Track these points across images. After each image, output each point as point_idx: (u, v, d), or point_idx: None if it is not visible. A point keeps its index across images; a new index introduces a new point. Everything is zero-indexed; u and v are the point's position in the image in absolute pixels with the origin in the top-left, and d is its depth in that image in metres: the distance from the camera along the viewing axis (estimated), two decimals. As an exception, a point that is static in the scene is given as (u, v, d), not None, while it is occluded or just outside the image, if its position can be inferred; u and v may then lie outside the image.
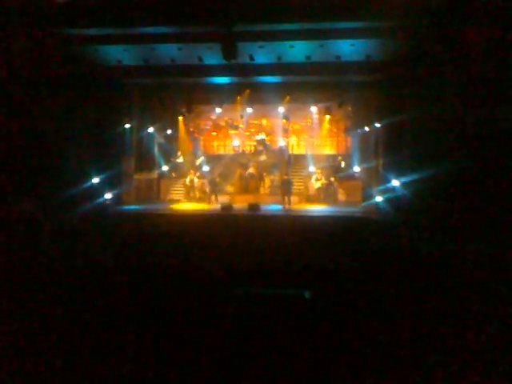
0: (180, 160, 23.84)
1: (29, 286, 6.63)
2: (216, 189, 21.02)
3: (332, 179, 21.02)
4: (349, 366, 4.46)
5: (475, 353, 4.64)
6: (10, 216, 11.63)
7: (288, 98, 20.92)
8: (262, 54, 15.17)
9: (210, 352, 4.66)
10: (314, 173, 21.61)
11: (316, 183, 21.07)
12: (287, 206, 18.64)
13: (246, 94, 20.45)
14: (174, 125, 23.51)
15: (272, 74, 16.92)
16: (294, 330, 5.08)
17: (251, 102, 21.77)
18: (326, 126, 24.52)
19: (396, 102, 15.54)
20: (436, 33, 12.56)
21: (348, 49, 14.57)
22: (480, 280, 6.73)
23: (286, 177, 19.51)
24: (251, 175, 21.26)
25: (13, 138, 12.58)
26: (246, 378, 4.33)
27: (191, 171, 22.16)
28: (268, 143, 23.87)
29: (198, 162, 23.39)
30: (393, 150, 16.00)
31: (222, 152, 25.60)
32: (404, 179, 14.76)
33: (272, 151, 23.52)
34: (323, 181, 20.85)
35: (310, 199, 21.15)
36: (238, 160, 23.25)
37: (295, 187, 21.85)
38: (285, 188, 19.11)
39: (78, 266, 7.92)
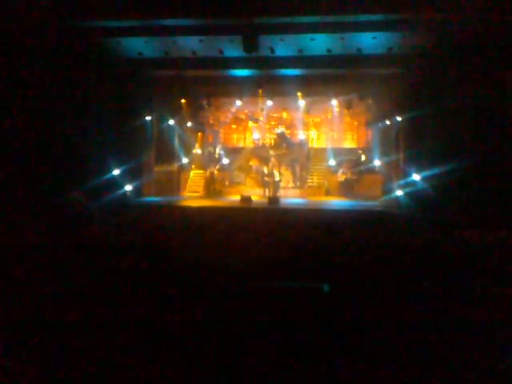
0: (200, 152, 23.92)
1: (47, 279, 6.72)
2: (236, 181, 21.11)
3: (349, 173, 20.94)
4: (368, 361, 4.44)
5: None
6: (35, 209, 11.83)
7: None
8: (283, 46, 15.11)
9: (228, 345, 4.68)
10: (340, 167, 21.53)
11: (341, 177, 21.01)
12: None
13: (265, 88, 20.49)
14: (195, 117, 23.54)
15: (293, 66, 16.85)
16: (313, 324, 5.08)
17: (271, 94, 21.70)
18: (347, 119, 24.41)
19: (417, 95, 15.39)
20: (459, 25, 12.39)
21: (369, 41, 14.42)
22: (505, 277, 6.66)
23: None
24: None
25: (34, 132, 12.74)
26: (264, 371, 4.34)
27: (211, 164, 22.22)
28: (288, 136, 23.82)
29: (217, 154, 23.44)
30: (414, 143, 15.89)
31: (241, 145, 25.61)
32: (425, 173, 14.65)
33: (292, 144, 23.46)
34: (349, 175, 20.78)
35: (331, 193, 21.13)
36: (258, 153, 23.26)
37: (315, 180, 21.89)
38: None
39: (98, 258, 7.99)
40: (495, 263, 7.52)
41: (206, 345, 4.66)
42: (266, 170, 21.09)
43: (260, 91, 20.94)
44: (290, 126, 24.83)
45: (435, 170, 13.61)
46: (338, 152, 22.68)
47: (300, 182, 22.26)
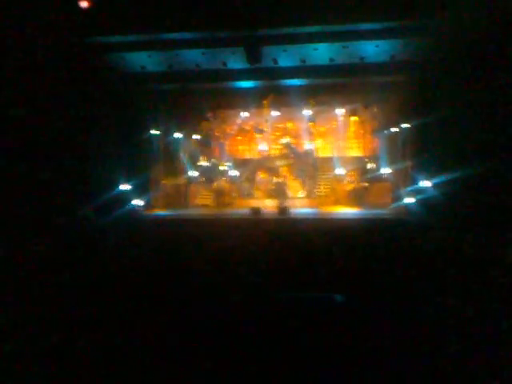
0: (207, 165, 23.95)
1: (57, 289, 6.73)
2: (244, 193, 21.10)
3: (356, 182, 20.89)
4: (382, 371, 4.40)
5: None
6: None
7: (312, 102, 20.91)
8: (286, 57, 15.17)
9: (239, 356, 4.65)
10: (347, 175, 21.47)
11: (349, 186, 20.94)
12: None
13: (270, 98, 20.50)
14: (200, 130, 23.59)
15: (296, 76, 16.89)
16: (326, 334, 5.04)
17: (276, 105, 21.74)
18: (352, 127, 24.37)
19: (423, 101, 15.36)
20: (462, 32, 12.39)
21: (372, 50, 14.45)
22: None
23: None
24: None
25: (40, 147, 12.82)
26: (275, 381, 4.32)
27: (219, 176, 22.24)
28: (293, 146, 23.80)
29: (224, 166, 23.46)
30: (421, 150, 15.82)
31: (247, 156, 25.62)
32: (434, 180, 14.59)
33: (298, 154, 23.44)
34: (357, 184, 20.72)
35: (339, 202, 21.08)
36: (264, 164, 23.26)
37: (322, 189, 21.84)
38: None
39: (108, 272, 7.99)
40: (507, 268, 7.46)
41: (216, 357, 4.64)
42: (273, 181, 21.07)
43: (265, 102, 21.00)
44: (295, 136, 24.78)
45: (444, 177, 13.56)
46: (344, 161, 22.61)
47: (308, 191, 22.21)
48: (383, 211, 18.01)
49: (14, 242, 10.05)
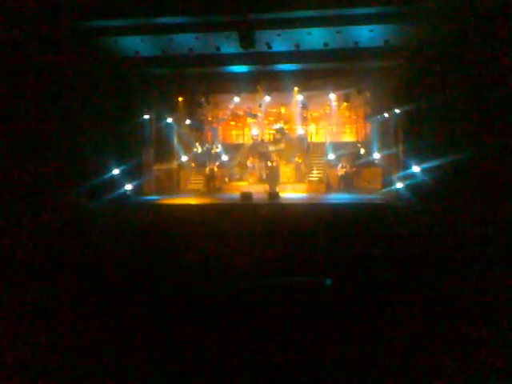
0: (199, 150, 23.91)
1: (46, 275, 6.74)
2: (236, 178, 21.13)
3: (348, 167, 20.93)
4: (370, 354, 4.44)
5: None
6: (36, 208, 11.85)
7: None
8: (280, 41, 15.10)
9: (230, 342, 4.68)
10: (339, 161, 21.49)
11: (341, 171, 20.99)
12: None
13: (262, 85, 20.55)
14: (193, 115, 23.52)
15: (290, 61, 16.84)
16: (316, 318, 5.08)
17: (269, 90, 21.70)
18: (345, 113, 24.37)
19: (416, 87, 15.36)
20: (456, 17, 12.37)
21: (366, 34, 14.40)
22: (506, 269, 6.65)
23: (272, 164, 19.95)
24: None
25: (31, 132, 12.76)
26: (265, 366, 4.35)
27: (211, 161, 22.22)
28: (286, 131, 23.79)
29: (216, 151, 23.42)
30: (413, 136, 15.87)
31: (240, 141, 25.59)
32: (424, 165, 14.66)
33: (291, 139, 23.44)
34: (348, 169, 20.76)
35: (331, 187, 21.14)
36: (257, 149, 23.24)
37: (315, 174, 21.88)
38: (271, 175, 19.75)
39: (97, 257, 8.00)
40: (494, 254, 7.53)
41: (208, 344, 4.66)
42: (265, 166, 21.08)
43: (258, 87, 20.93)
44: (288, 121, 24.75)
45: (434, 162, 13.63)
46: (337, 146, 22.63)
47: (300, 176, 22.23)
48: (374, 196, 18.10)
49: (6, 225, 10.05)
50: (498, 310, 5.25)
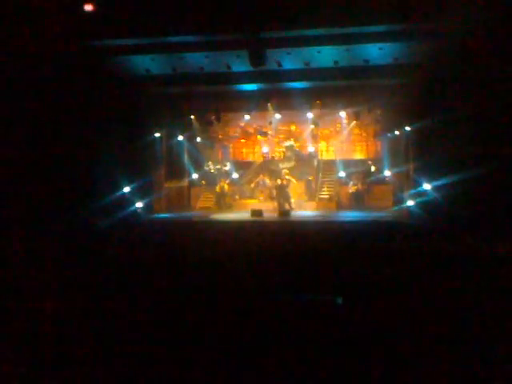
0: (210, 168, 23.96)
1: (59, 292, 6.75)
2: (246, 196, 21.14)
3: (359, 184, 20.88)
4: (379, 373, 4.40)
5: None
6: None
7: (319, 102, 20.88)
8: (290, 59, 15.18)
9: (240, 359, 4.65)
10: (350, 178, 21.46)
11: (352, 188, 20.95)
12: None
13: (270, 104, 20.62)
14: (204, 133, 23.62)
15: (300, 79, 16.88)
16: (326, 336, 5.04)
17: (280, 108, 21.76)
18: (356, 130, 24.38)
19: (426, 104, 15.34)
20: (465, 35, 12.38)
21: (376, 52, 14.45)
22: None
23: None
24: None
25: (44, 150, 12.89)
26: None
27: (221, 179, 22.26)
28: (297, 149, 23.82)
29: (226, 169, 23.46)
30: (424, 153, 15.80)
31: (251, 159, 25.64)
32: (436, 183, 14.58)
33: (301, 157, 23.46)
34: (359, 186, 20.72)
35: (341, 205, 21.09)
36: (268, 166, 23.27)
37: (325, 192, 21.84)
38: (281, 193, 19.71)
39: (111, 274, 8.01)
40: (506, 272, 7.45)
41: (216, 359, 4.64)
42: (275, 184, 21.08)
43: (268, 105, 21.00)
44: (298, 138, 24.82)
45: (445, 180, 13.55)
46: (347, 164, 22.59)
47: (310, 194, 22.19)
48: (385, 214, 18.00)
49: (17, 243, 10.10)
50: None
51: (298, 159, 23.18)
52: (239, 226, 16.29)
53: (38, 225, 11.77)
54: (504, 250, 8.88)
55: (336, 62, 15.13)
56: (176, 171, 21.79)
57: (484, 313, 5.61)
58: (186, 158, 22.83)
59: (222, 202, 21.59)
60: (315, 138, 24.32)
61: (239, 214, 19.65)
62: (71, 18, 12.60)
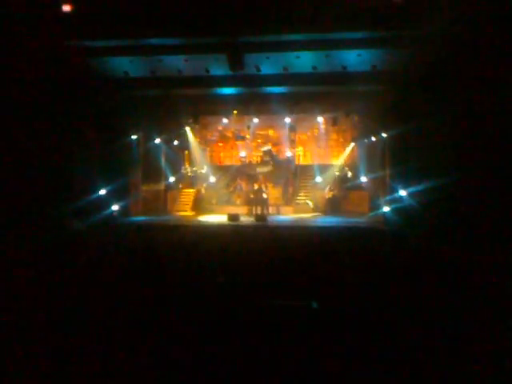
0: (187, 171, 23.88)
1: (34, 294, 6.66)
2: (223, 200, 21.11)
3: (335, 190, 21.04)
4: (355, 377, 4.42)
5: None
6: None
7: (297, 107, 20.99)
8: (269, 64, 15.18)
9: (217, 363, 4.64)
10: (326, 183, 21.58)
11: (328, 194, 21.07)
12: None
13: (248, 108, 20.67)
14: (181, 136, 23.53)
15: (278, 84, 16.89)
16: (302, 341, 5.05)
17: (258, 112, 21.79)
18: (333, 136, 24.54)
19: (403, 111, 15.50)
20: (443, 42, 12.54)
21: (354, 59, 14.55)
22: (494, 292, 6.67)
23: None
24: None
25: (19, 150, 12.71)
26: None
27: (198, 182, 22.20)
28: (274, 154, 23.89)
29: (203, 172, 23.42)
30: (400, 160, 15.96)
31: (228, 163, 25.63)
32: (411, 189, 14.73)
33: (278, 162, 23.52)
34: (336, 192, 20.85)
35: (317, 209, 21.19)
36: (245, 171, 23.29)
37: (303, 197, 21.93)
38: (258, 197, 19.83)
39: (84, 277, 7.91)
40: (485, 277, 7.54)
41: (198, 365, 4.63)
42: (253, 188, 21.11)
43: (246, 109, 21.01)
44: (276, 143, 24.92)
45: (421, 186, 13.70)
46: (324, 168, 22.73)
47: (287, 199, 22.27)
48: (361, 220, 18.14)
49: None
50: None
51: (275, 164, 23.24)
52: (215, 230, 16.28)
53: (11, 227, 11.58)
54: (479, 255, 9.00)
55: (315, 68, 15.19)
56: (153, 174, 21.66)
57: (459, 317, 5.67)
58: (163, 160, 22.72)
59: (199, 205, 21.54)
60: (293, 142, 24.43)
61: (216, 217, 19.62)
62: (49, 18, 12.47)
